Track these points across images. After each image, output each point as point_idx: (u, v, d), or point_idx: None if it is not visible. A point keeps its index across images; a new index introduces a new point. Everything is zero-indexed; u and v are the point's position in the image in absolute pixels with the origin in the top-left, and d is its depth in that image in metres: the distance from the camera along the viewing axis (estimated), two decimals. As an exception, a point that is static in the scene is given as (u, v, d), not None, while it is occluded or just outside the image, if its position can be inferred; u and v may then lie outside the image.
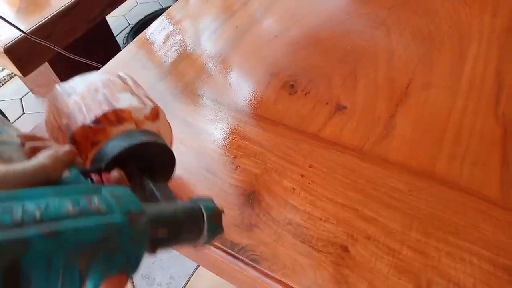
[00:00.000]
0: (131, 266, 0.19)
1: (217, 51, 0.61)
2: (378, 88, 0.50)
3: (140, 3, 2.12)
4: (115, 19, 2.03)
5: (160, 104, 0.35)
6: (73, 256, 0.17)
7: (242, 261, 0.38)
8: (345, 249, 0.37)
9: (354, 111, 0.48)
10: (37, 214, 0.16)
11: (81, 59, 0.78)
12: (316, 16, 0.63)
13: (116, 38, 1.50)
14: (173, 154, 0.33)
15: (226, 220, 0.38)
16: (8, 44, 0.86)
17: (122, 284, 0.19)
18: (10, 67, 0.95)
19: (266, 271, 0.37)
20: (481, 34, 0.54)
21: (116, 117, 0.30)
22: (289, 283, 0.36)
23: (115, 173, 0.25)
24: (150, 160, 0.31)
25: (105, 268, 0.18)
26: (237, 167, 0.45)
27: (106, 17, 2.00)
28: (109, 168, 0.27)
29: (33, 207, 0.17)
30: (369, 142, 0.45)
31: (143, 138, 0.30)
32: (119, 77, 0.34)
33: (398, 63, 0.53)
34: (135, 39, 0.66)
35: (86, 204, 0.18)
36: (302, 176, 0.43)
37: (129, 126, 0.31)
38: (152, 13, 1.88)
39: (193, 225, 0.25)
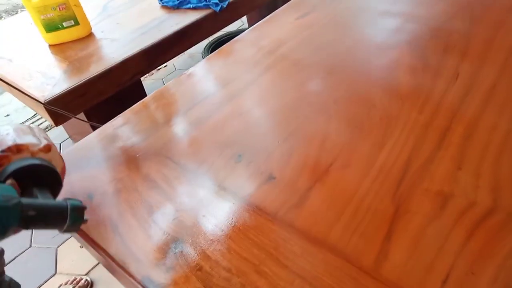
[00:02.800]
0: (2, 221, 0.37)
1: (193, 121, 0.74)
2: (306, 165, 0.60)
3: (177, 69, 2.40)
4: (154, 81, 2.31)
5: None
6: None
7: (154, 295, 0.47)
8: (236, 296, 0.45)
9: (281, 182, 0.58)
10: None
11: (84, 120, 0.94)
12: (277, 100, 0.76)
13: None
14: (58, 175, 0.50)
15: (149, 261, 0.48)
16: (48, 100, 1.06)
17: None
18: (47, 118, 1.15)
19: (169, 306, 0.45)
20: (404, 127, 0.63)
21: (16, 148, 0.47)
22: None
23: (8, 181, 0.43)
24: (40, 177, 0.47)
25: None
26: (174, 218, 0.55)
27: (144, 79, 2.29)
28: (6, 180, 0.44)
29: None
30: (283, 209, 0.54)
31: (32, 161, 0.46)
32: (28, 126, 0.53)
33: (328, 145, 0.63)
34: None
35: None
36: (222, 231, 0.52)
37: (26, 155, 0.48)
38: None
39: (59, 214, 0.44)
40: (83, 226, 0.50)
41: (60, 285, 1.22)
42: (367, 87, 0.75)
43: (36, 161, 0.47)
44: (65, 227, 0.44)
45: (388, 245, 0.47)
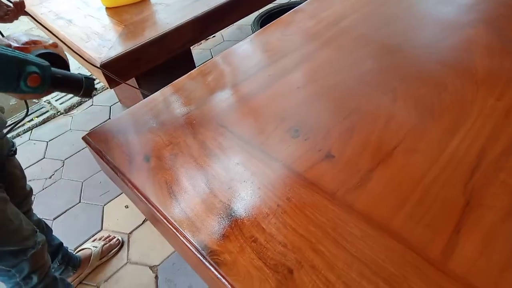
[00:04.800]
0: (43, 76, 0.58)
1: (248, 92, 0.73)
2: (368, 145, 0.57)
3: (225, 40, 2.38)
4: (202, 51, 2.30)
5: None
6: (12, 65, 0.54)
7: (208, 261, 0.47)
8: (291, 271, 0.44)
9: (340, 161, 0.55)
10: None
11: (131, 85, 0.95)
12: (335, 76, 0.72)
13: (196, 67, 1.72)
14: (68, 65, 0.68)
15: (205, 227, 0.48)
16: (104, 62, 1.08)
17: (37, 81, 0.57)
18: (102, 80, 1.18)
19: (223, 273, 0.45)
20: (479, 113, 0.58)
21: (33, 42, 0.63)
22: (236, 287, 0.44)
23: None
24: (54, 64, 0.62)
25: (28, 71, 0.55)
26: (229, 187, 0.55)
27: (193, 48, 2.29)
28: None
29: None
30: (343, 189, 0.52)
31: (48, 51, 0.64)
32: (38, 35, 0.67)
33: (393, 126, 0.59)
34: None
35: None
36: (278, 205, 0.51)
37: (40, 47, 0.64)
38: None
39: (77, 80, 0.64)
40: (138, 184, 0.50)
41: (95, 239, 1.29)
42: (437, 67, 0.69)
43: (51, 51, 0.64)
44: (81, 91, 0.65)
45: (457, 238, 0.44)
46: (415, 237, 0.45)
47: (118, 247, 1.28)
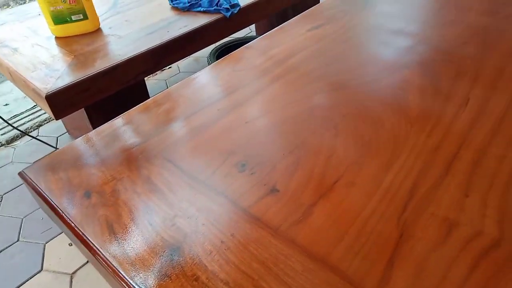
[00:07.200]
0: None
1: (197, 125, 0.73)
2: (311, 180, 0.59)
3: (182, 72, 2.39)
4: (157, 82, 2.30)
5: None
6: None
7: (147, 304, 0.45)
8: (232, 310, 0.43)
9: (284, 196, 0.57)
10: None
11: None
12: (282, 111, 0.75)
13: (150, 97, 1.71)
14: None
15: (146, 267, 0.46)
16: (50, 93, 1.05)
17: None
18: (48, 111, 1.14)
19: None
20: (412, 149, 0.62)
21: None
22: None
23: None
24: None
25: None
26: (173, 224, 0.54)
27: (148, 79, 2.28)
28: None
29: None
30: (286, 224, 0.52)
31: None
32: None
33: (334, 161, 0.62)
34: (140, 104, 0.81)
35: None
36: (222, 242, 0.51)
37: None
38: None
39: None
40: (77, 222, 0.48)
41: None
42: (376, 105, 0.74)
43: None
44: None
45: (392, 270, 0.46)
46: (352, 270, 0.46)
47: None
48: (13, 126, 1.59)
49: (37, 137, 1.86)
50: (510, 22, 1.00)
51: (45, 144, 1.81)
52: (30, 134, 1.92)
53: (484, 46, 0.90)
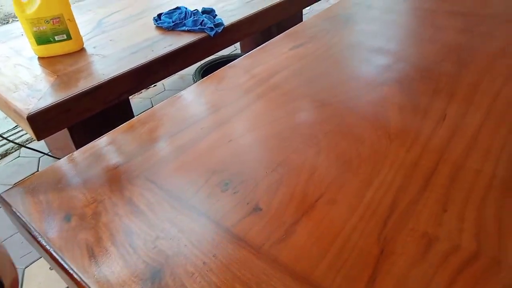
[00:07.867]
0: None
1: (180, 145, 0.73)
2: (293, 197, 0.59)
3: (167, 90, 2.40)
4: (142, 100, 2.29)
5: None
6: None
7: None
8: (214, 334, 0.43)
9: (267, 214, 0.57)
10: None
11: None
12: (265, 130, 0.76)
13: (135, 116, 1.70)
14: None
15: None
16: (32, 113, 1.04)
17: None
18: (30, 132, 1.12)
19: None
20: (392, 165, 0.63)
21: None
22: None
23: None
24: None
25: None
26: (154, 247, 0.53)
27: (133, 97, 2.28)
28: None
29: None
30: (268, 243, 0.53)
31: None
32: None
33: (316, 179, 0.62)
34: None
35: None
36: (204, 263, 0.51)
37: None
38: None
39: None
40: (56, 247, 0.46)
41: None
42: (357, 122, 0.76)
43: None
44: None
45: (373, 286, 0.46)
46: (335, 287, 0.46)
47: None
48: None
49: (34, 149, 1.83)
50: (483, 40, 1.04)
51: (26, 166, 1.78)
52: (11, 153, 1.88)
53: (460, 63, 0.93)
